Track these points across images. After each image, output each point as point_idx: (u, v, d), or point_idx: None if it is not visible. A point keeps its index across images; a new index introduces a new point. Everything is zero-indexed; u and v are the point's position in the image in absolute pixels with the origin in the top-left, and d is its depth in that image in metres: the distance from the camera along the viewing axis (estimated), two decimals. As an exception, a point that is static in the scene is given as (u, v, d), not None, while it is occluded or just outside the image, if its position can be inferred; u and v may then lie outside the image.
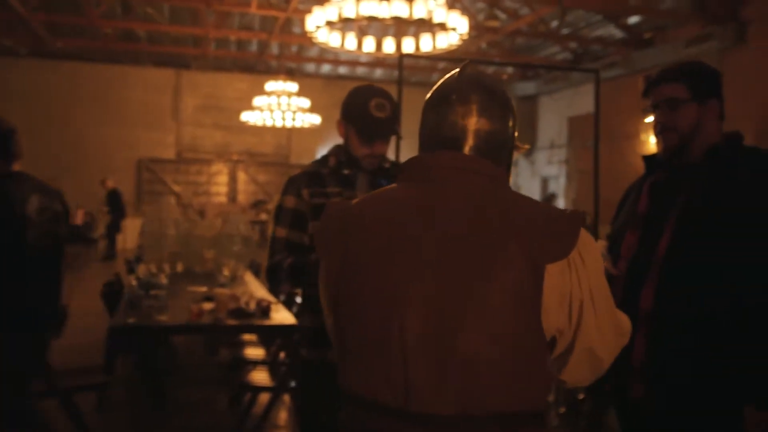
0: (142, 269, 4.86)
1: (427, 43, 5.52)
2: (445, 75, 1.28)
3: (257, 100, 10.89)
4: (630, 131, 11.07)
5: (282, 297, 4.34)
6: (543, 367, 1.11)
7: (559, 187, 14.08)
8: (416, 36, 5.67)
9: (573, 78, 13.12)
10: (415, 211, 1.13)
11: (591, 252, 1.12)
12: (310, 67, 15.45)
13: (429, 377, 1.05)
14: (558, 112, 13.90)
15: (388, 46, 5.71)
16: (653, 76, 1.81)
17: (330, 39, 5.52)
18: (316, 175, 2.10)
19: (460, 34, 5.13)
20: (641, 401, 1.74)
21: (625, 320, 1.27)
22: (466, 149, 1.18)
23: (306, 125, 11.37)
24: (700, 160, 1.76)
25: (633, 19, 10.79)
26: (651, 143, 11.19)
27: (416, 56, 5.58)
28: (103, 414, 3.95)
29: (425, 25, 5.05)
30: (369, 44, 5.76)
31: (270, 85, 10.52)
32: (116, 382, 4.14)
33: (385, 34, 6.39)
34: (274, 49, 13.20)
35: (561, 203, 13.86)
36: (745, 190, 1.66)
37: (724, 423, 1.64)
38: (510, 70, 14.38)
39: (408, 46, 5.59)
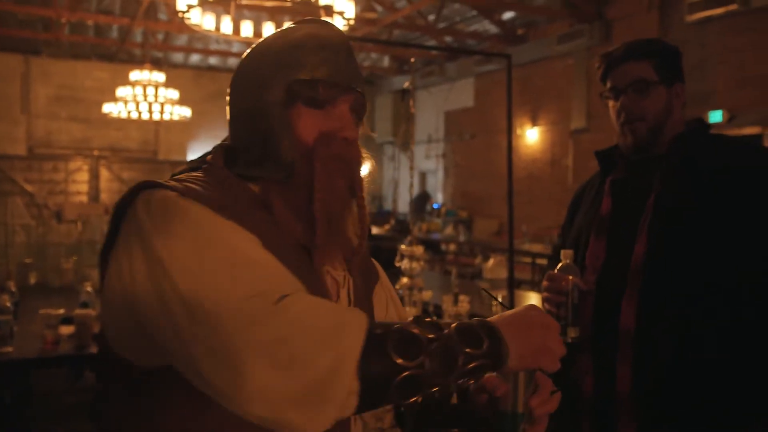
0: (-20, 288, 4.13)
1: (310, 30, 5.16)
2: None
3: (120, 91, 10.03)
4: (505, 125, 11.31)
5: None
6: None
7: (437, 181, 14.21)
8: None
9: (449, 72, 13.25)
10: None
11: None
12: (178, 57, 14.61)
13: None
14: (435, 106, 14.00)
15: (269, 31, 5.29)
16: (614, 53, 1.56)
17: (204, 21, 5.03)
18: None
19: (347, 19, 4.83)
20: None
21: None
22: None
23: (176, 118, 10.63)
24: (664, 153, 1.54)
25: (507, 15, 11.02)
26: (527, 137, 11.50)
27: None
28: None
29: (310, 7, 4.71)
30: (247, 29, 5.31)
31: (135, 75, 9.70)
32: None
33: (261, 19, 5.95)
34: (138, 36, 12.29)
35: (439, 198, 13.99)
36: (720, 182, 1.44)
37: None
38: (386, 64, 14.35)
39: (290, 32, 5.21)
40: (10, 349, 2.97)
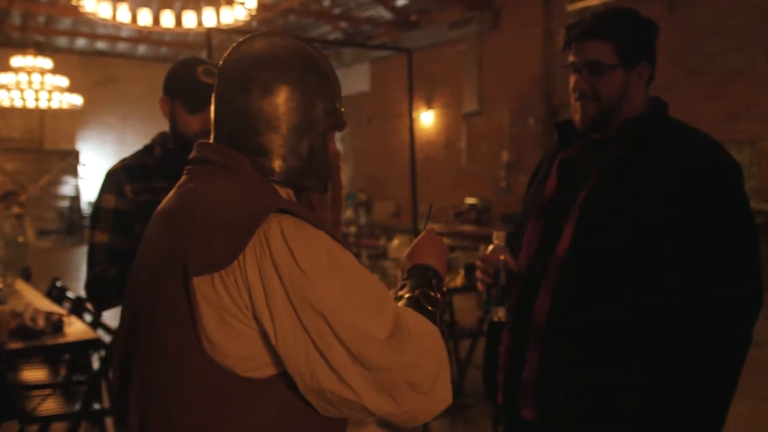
0: None
1: (210, 18, 5.19)
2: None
3: (2, 78, 9.49)
4: (402, 109, 11.59)
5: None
6: None
7: (337, 165, 14.37)
8: (197, 10, 5.31)
9: (345, 58, 13.40)
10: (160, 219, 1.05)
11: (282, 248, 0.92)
12: (62, 41, 13.89)
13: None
14: (332, 91, 14.11)
15: (167, 19, 5.27)
16: (578, 27, 1.47)
17: (99, 9, 4.94)
18: (139, 168, 1.82)
19: (248, 9, 4.90)
20: (531, 425, 1.47)
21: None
22: (213, 137, 1.08)
23: (65, 106, 10.20)
24: (617, 133, 1.47)
25: (401, 2, 11.28)
26: (422, 120, 11.87)
27: (226, 31, 5.22)
28: None
29: (209, -3, 4.74)
30: (145, 17, 5.26)
31: (17, 61, 9.22)
32: None
33: (155, 7, 5.88)
34: (16, 19, 11.62)
35: (340, 181, 14.15)
36: (662, 174, 1.38)
37: None
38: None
39: (190, 20, 5.20)
40: None
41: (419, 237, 1.24)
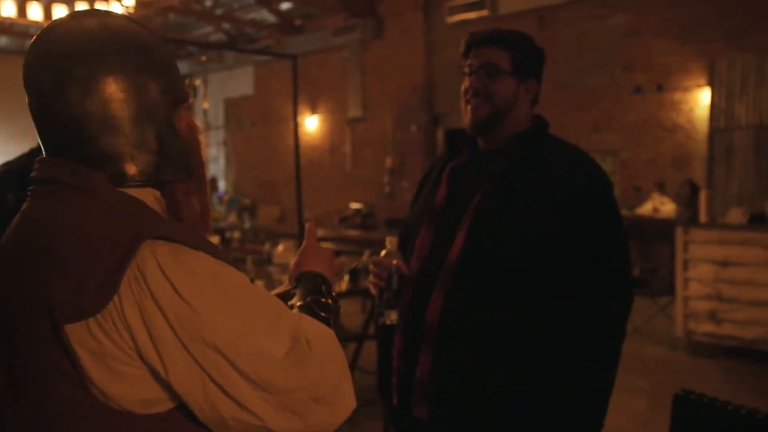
0: None
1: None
2: None
3: None
4: (286, 113, 11.52)
5: None
6: None
7: (219, 169, 14.06)
8: (70, 4, 5.04)
9: (228, 60, 13.15)
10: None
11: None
12: None
13: None
14: (214, 93, 13.81)
15: (35, 12, 4.96)
16: (476, 35, 1.58)
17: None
18: (20, 174, 1.70)
19: (125, 6, 4.71)
20: (423, 423, 1.54)
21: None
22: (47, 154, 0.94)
23: None
24: (504, 146, 1.57)
25: (285, 5, 11.22)
26: (306, 125, 11.86)
27: None
28: None
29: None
30: (9, 8, 4.92)
31: None
32: None
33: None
34: None
35: (222, 185, 13.87)
36: (546, 187, 1.48)
37: None
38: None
39: (61, 14, 4.92)
40: None
41: (302, 245, 1.25)
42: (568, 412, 1.45)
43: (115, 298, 0.81)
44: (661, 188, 7.33)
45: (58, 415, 0.85)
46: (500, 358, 1.45)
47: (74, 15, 0.96)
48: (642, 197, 7.52)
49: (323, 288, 1.13)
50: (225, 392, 0.84)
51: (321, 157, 11.71)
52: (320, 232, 9.94)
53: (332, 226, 10.08)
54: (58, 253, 0.84)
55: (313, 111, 11.86)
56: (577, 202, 1.47)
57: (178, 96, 0.98)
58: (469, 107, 1.57)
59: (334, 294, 1.14)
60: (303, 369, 0.88)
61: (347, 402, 0.95)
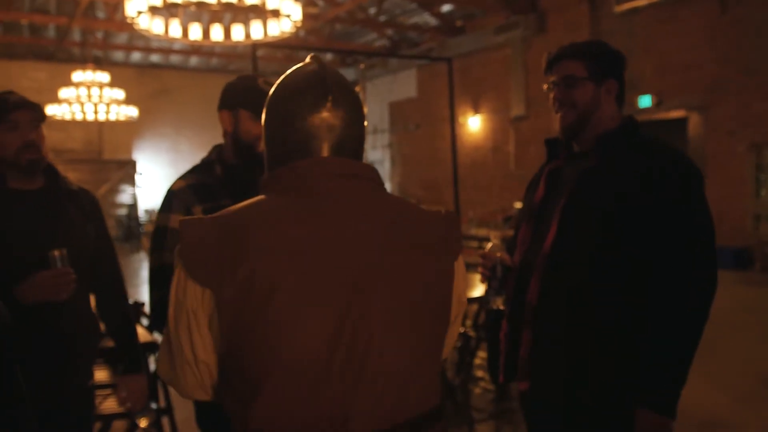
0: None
1: (257, 31, 5.34)
2: (293, 67, 1.15)
3: (63, 92, 9.91)
4: (448, 114, 11.64)
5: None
6: (440, 362, 1.15)
7: (384, 171, 14.48)
8: (245, 23, 5.46)
9: (391, 65, 13.51)
10: (327, 227, 1.03)
11: None
12: (119, 55, 14.42)
13: (366, 394, 1.01)
14: (379, 97, 14.25)
15: (216, 33, 5.44)
16: (555, 52, 1.78)
17: (152, 26, 5.14)
18: (203, 186, 1.81)
19: (294, 21, 5.02)
20: (526, 396, 1.77)
21: None
22: (337, 153, 1.09)
23: (122, 118, 10.58)
24: (590, 148, 1.74)
25: (446, 8, 11.32)
26: (469, 125, 11.87)
27: (270, 45, 5.37)
28: None
29: (256, 10, 4.87)
30: (195, 31, 5.44)
31: (78, 76, 9.61)
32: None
33: (204, 21, 6.07)
34: (76, 35, 12.11)
35: (387, 186, 14.25)
36: (628, 184, 1.63)
37: (610, 425, 1.63)
38: (329, 56, 14.47)
39: (238, 33, 5.36)
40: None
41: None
42: (655, 378, 1.58)
43: None
44: None
45: None
46: (590, 334, 1.64)
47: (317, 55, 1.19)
48: None
49: None
50: None
51: (484, 157, 11.65)
52: (483, 232, 9.89)
53: (496, 225, 9.99)
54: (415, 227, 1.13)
55: (476, 111, 11.83)
56: (661, 193, 1.61)
57: None
58: (558, 116, 1.76)
59: None
60: None
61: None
